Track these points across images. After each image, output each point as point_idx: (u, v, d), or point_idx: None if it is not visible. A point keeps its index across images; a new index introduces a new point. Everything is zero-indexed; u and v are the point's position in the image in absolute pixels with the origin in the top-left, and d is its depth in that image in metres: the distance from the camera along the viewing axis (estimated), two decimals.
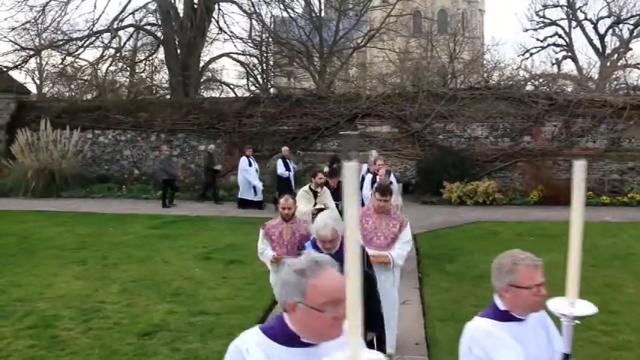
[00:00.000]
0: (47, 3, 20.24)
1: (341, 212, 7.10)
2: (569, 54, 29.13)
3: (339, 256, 6.53)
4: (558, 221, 12.24)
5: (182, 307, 6.72)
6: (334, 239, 4.04)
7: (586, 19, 28.77)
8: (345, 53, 24.31)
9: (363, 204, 7.61)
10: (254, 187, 14.61)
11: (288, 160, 13.99)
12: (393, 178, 9.26)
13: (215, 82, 25.65)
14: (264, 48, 23.30)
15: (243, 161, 14.67)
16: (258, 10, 22.08)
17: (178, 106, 18.46)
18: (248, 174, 14.58)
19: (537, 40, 30.64)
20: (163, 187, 15.19)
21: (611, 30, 28.18)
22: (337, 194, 7.52)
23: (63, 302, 6.88)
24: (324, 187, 7.56)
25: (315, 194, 7.44)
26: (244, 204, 14.50)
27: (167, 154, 15.81)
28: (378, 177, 8.85)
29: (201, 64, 22.05)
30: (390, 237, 5.09)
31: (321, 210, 6.60)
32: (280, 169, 13.79)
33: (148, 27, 22.44)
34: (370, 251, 4.62)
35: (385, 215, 5.16)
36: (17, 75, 28.43)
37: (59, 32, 20.79)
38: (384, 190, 5.19)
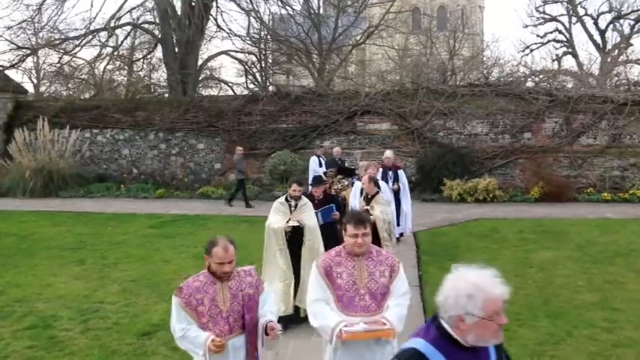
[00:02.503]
0: (43, 2, 20.13)
1: (330, 227, 6.44)
2: (570, 50, 29.03)
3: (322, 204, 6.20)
4: (559, 218, 12.22)
5: None
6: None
7: (586, 14, 28.70)
8: (344, 50, 24.26)
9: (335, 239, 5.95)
10: None
11: (321, 159, 13.63)
12: (385, 186, 8.83)
13: (213, 80, 25.60)
14: (262, 45, 23.26)
15: (314, 161, 13.70)
16: (256, 8, 22.02)
17: (177, 105, 18.41)
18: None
19: (537, 36, 30.69)
20: (238, 186, 14.76)
21: (611, 25, 28.09)
22: (323, 204, 6.80)
23: (62, 302, 6.85)
24: (305, 199, 6.31)
25: (291, 207, 6.19)
26: None
27: (241, 154, 14.97)
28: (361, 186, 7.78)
29: (200, 62, 21.98)
30: (379, 293, 3.47)
31: (295, 229, 6.01)
32: (314, 165, 13.47)
33: (146, 25, 22.36)
34: (356, 326, 3.34)
35: (367, 259, 3.52)
36: (14, 74, 28.40)
37: (56, 31, 20.68)
38: (358, 219, 3.48)
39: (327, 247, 6.66)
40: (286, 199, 6.23)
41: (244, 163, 15.02)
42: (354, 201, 7.93)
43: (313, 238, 6.10)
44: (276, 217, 6.14)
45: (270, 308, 3.50)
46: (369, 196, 7.07)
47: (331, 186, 9.18)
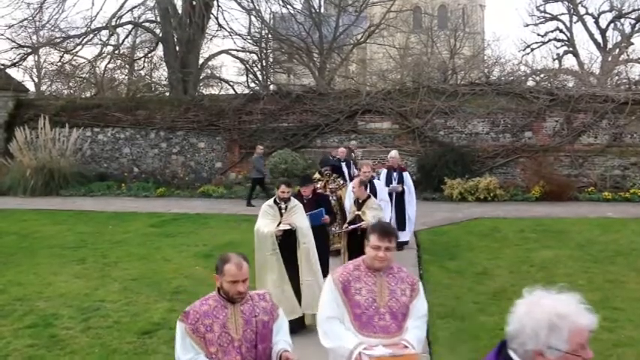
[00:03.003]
0: (44, 0, 20.13)
1: (318, 229, 6.15)
2: (571, 49, 28.99)
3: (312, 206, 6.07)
4: (560, 217, 12.21)
5: (182, 305, 6.63)
6: None
7: (587, 13, 28.63)
8: (344, 49, 24.22)
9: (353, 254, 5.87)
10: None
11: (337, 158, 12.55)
12: (382, 186, 8.55)
13: (214, 79, 25.57)
14: (263, 44, 23.22)
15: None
16: (257, 7, 21.97)
17: (177, 104, 18.42)
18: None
19: (538, 35, 30.50)
20: (253, 185, 14.62)
21: (612, 24, 28.03)
22: (313, 205, 6.48)
23: (63, 301, 6.86)
24: (295, 201, 5.99)
25: (281, 210, 5.86)
26: None
27: (261, 153, 14.80)
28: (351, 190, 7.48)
29: (201, 61, 21.95)
30: (400, 313, 3.20)
31: (288, 232, 5.70)
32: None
33: (147, 24, 22.34)
34: (377, 349, 3.05)
35: (387, 275, 3.25)
36: (15, 73, 28.47)
37: (57, 30, 20.67)
38: (383, 230, 3.20)
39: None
40: (275, 202, 5.90)
41: (263, 162, 14.81)
42: (349, 201, 7.61)
43: (308, 240, 5.81)
44: (265, 220, 5.80)
45: (285, 337, 3.15)
46: (360, 201, 6.80)
47: (326, 185, 8.99)
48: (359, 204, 6.78)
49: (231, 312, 2.97)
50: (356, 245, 6.15)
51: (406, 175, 9.84)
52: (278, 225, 5.69)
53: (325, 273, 6.61)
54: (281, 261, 5.69)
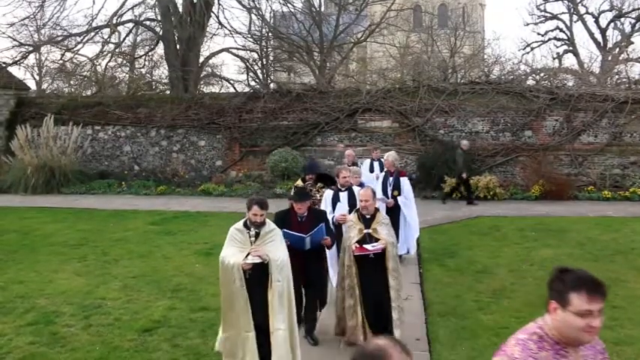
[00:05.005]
0: None
1: (316, 255, 5.43)
2: (571, 48, 29.01)
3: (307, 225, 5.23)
4: (560, 216, 12.23)
5: (183, 303, 6.71)
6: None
7: (587, 12, 28.64)
8: (345, 48, 24.20)
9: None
10: None
11: (375, 162, 11.40)
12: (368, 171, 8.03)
13: (215, 78, 25.55)
14: (263, 43, 23.21)
15: (365, 167, 11.46)
16: (257, 5, 21.99)
17: (178, 102, 18.43)
18: None
19: (538, 34, 30.61)
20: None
21: (612, 24, 28.06)
22: (311, 224, 5.35)
23: (63, 299, 6.88)
24: (271, 225, 4.73)
25: (251, 237, 4.63)
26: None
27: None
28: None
29: (201, 59, 21.96)
30: None
31: (258, 265, 4.47)
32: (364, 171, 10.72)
33: (148, 22, 22.35)
34: None
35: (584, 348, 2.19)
36: (16, 71, 28.45)
37: (58, 28, 20.69)
38: (595, 285, 2.15)
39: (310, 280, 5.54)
40: (245, 225, 4.66)
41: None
42: (327, 207, 6.57)
43: (283, 277, 4.56)
44: (231, 249, 4.59)
45: None
46: (368, 216, 5.48)
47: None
48: (366, 219, 5.47)
49: None
50: (369, 275, 5.35)
51: (404, 181, 8.47)
52: (247, 256, 4.50)
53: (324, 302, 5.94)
54: (248, 302, 4.50)
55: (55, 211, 13.33)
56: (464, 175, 13.96)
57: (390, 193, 8.42)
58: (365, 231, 5.37)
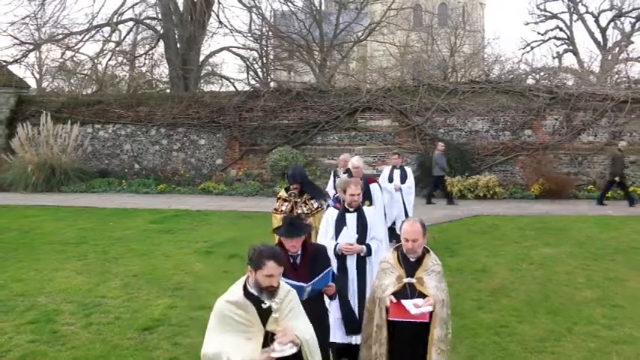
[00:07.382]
0: None
1: (314, 303, 3.39)
2: (571, 47, 29.04)
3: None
4: (559, 215, 12.24)
5: (183, 301, 6.71)
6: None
7: (587, 12, 28.70)
8: (345, 47, 24.20)
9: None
10: None
11: (396, 170, 9.69)
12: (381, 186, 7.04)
13: (215, 76, 25.55)
14: (264, 42, 23.19)
15: (384, 176, 9.91)
16: (258, 4, 22.00)
17: (178, 100, 18.42)
18: None
19: (538, 33, 30.59)
20: (436, 183, 14.38)
21: (612, 23, 28.12)
22: (309, 267, 3.77)
23: (64, 297, 6.88)
24: (286, 287, 3.20)
25: (262, 311, 3.07)
26: None
27: (443, 150, 14.40)
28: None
29: (201, 58, 21.96)
30: None
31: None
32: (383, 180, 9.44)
33: (148, 21, 22.36)
34: None
35: None
36: (17, 69, 28.40)
37: (59, 26, 20.70)
38: None
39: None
40: (247, 294, 3.06)
41: (445, 159, 14.33)
42: (325, 237, 4.89)
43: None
44: (228, 337, 2.98)
45: None
46: (413, 259, 3.80)
47: (293, 209, 6.16)
48: (409, 263, 3.82)
49: None
50: (404, 344, 3.71)
51: (374, 187, 6.88)
52: (265, 344, 2.95)
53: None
54: None
55: (55, 210, 13.33)
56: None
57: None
58: (405, 280, 3.75)
